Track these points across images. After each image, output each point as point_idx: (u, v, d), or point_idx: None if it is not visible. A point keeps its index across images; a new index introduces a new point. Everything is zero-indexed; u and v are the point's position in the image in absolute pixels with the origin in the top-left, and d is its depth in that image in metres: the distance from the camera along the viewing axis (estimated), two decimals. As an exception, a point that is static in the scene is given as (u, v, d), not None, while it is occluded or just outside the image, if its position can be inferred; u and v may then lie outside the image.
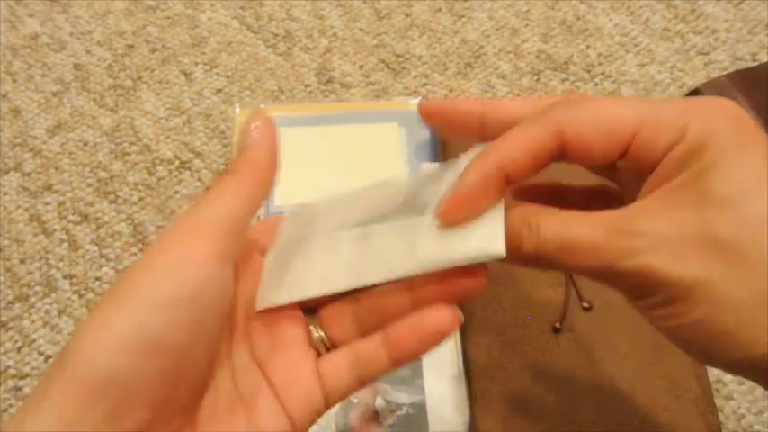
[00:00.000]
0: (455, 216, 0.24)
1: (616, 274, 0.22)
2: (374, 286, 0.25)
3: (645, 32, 0.59)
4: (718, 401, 0.43)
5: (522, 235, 0.23)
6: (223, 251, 0.23)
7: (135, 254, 0.50)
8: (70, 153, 0.55)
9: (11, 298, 0.49)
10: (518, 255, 0.24)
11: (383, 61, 0.58)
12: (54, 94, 0.58)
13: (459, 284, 0.24)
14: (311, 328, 0.26)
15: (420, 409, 0.40)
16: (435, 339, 0.24)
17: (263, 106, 0.55)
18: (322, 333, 0.26)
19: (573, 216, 0.23)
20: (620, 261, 0.21)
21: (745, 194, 0.20)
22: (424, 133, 0.51)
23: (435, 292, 0.24)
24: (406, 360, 0.25)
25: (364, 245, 0.26)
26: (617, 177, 0.26)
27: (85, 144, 0.55)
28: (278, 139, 0.27)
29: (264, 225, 0.30)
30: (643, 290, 0.21)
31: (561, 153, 0.24)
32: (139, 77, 0.58)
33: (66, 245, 0.51)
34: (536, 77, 0.57)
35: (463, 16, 0.60)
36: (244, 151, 0.26)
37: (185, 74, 0.58)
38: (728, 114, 0.22)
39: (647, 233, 0.21)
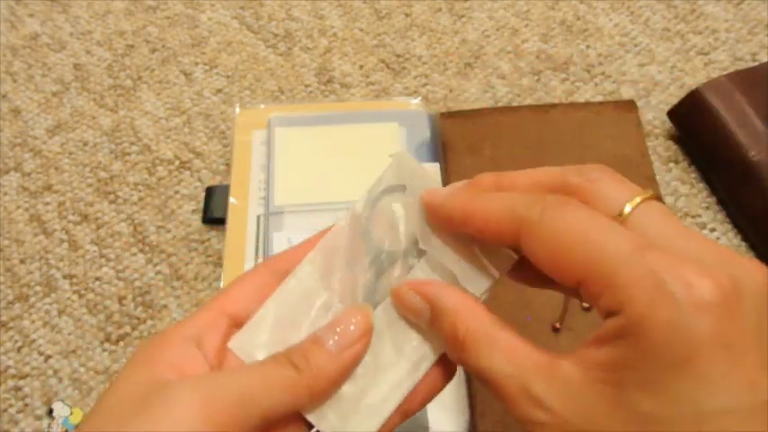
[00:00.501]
0: None
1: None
2: None
3: (645, 32, 0.59)
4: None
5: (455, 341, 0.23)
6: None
7: (135, 254, 0.50)
8: (70, 153, 0.55)
9: (11, 298, 0.49)
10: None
11: (383, 61, 0.58)
12: (54, 94, 0.58)
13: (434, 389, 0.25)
14: None
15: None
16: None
17: (262, 106, 0.55)
18: None
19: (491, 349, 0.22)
20: (521, 422, 0.20)
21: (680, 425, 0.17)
22: (424, 133, 0.51)
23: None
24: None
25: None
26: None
27: (85, 144, 0.55)
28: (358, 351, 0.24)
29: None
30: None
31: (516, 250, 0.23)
32: (139, 77, 0.58)
33: (66, 245, 0.51)
34: (536, 77, 0.57)
35: (463, 16, 0.60)
36: (320, 348, 0.23)
37: (185, 74, 0.58)
38: (681, 305, 0.17)
39: (552, 410, 0.19)
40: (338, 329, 0.23)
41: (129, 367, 0.22)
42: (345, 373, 0.23)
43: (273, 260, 0.26)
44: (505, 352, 0.22)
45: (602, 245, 0.19)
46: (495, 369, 0.21)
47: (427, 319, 0.24)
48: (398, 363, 0.24)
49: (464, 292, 0.25)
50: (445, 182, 0.50)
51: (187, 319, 0.24)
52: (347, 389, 0.24)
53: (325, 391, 0.23)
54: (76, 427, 0.23)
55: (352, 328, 0.23)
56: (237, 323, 0.25)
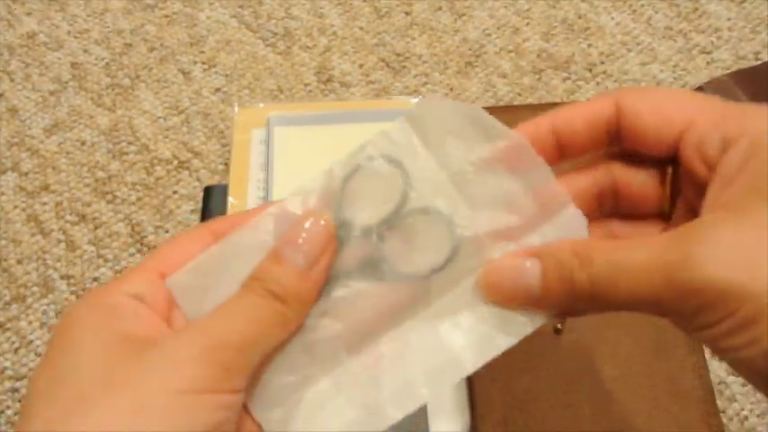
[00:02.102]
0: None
1: (677, 293, 0.18)
2: None
3: (647, 31, 0.58)
4: (721, 403, 0.43)
5: (574, 269, 0.20)
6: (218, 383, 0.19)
7: (132, 255, 0.50)
8: (68, 153, 0.54)
9: (8, 299, 0.48)
10: (571, 294, 0.21)
11: (383, 60, 0.58)
12: (51, 93, 0.57)
13: None
14: None
15: (421, 409, 0.40)
16: None
17: (261, 105, 0.54)
18: None
19: (626, 241, 0.20)
20: (682, 273, 0.18)
21: None
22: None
23: None
24: None
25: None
26: (666, 191, 0.24)
27: (83, 143, 0.55)
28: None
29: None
30: (710, 312, 0.18)
31: (616, 130, 0.23)
32: (137, 76, 0.58)
33: (63, 245, 0.50)
34: (537, 76, 0.56)
35: (464, 15, 0.60)
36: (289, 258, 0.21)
37: (184, 73, 0.58)
38: None
39: (711, 241, 0.18)
40: (302, 243, 0.21)
41: (80, 330, 0.20)
42: (318, 290, 0.22)
43: (215, 222, 0.24)
44: (635, 241, 0.20)
45: (707, 97, 0.21)
46: (631, 254, 0.20)
47: (538, 276, 0.21)
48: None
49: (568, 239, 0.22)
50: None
51: (122, 279, 0.22)
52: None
53: (304, 315, 0.22)
54: (25, 405, 0.20)
55: (316, 241, 0.22)
56: None
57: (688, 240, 0.18)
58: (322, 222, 0.22)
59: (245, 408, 0.22)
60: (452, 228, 0.23)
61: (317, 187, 0.24)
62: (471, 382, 0.43)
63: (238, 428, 0.21)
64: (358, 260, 0.23)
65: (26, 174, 0.53)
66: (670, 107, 0.22)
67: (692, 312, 0.18)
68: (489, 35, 0.59)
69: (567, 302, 0.21)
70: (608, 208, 0.25)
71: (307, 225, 0.22)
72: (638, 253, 0.19)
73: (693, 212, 0.21)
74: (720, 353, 0.19)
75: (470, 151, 0.23)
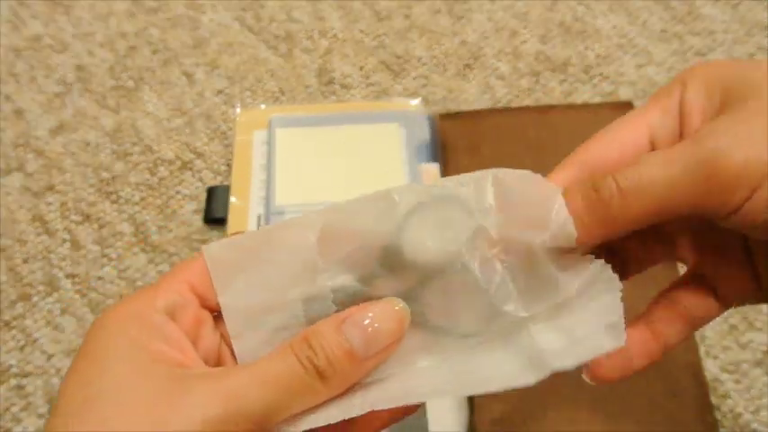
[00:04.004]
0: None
1: (707, 184, 0.19)
2: None
3: (643, 34, 0.59)
4: (715, 400, 0.44)
5: (603, 193, 0.20)
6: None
7: (136, 254, 0.51)
8: (72, 153, 0.55)
9: (13, 297, 0.49)
10: (604, 221, 0.21)
11: (383, 62, 0.59)
12: (56, 95, 0.58)
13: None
14: None
15: (419, 408, 0.41)
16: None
17: (263, 107, 0.55)
18: None
19: (643, 156, 0.21)
20: (710, 164, 0.19)
21: None
22: (424, 134, 0.51)
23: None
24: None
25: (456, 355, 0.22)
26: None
27: (88, 144, 0.55)
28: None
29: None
30: (741, 189, 0.19)
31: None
32: (141, 78, 0.58)
33: (68, 245, 0.51)
34: (535, 78, 0.57)
35: (462, 18, 0.61)
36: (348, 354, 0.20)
37: (187, 75, 0.59)
38: None
39: (724, 134, 0.19)
40: (369, 330, 0.20)
41: (113, 346, 0.20)
42: (367, 375, 0.21)
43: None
44: (653, 153, 0.21)
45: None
46: (655, 159, 0.20)
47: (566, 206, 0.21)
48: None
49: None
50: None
51: (155, 291, 0.21)
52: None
53: (341, 390, 0.21)
54: (54, 413, 0.20)
55: (384, 331, 0.20)
56: (205, 303, 0.22)
57: (706, 141, 0.20)
58: (396, 308, 0.21)
59: None
60: (496, 302, 0.22)
61: (372, 211, 0.21)
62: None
63: None
64: (398, 293, 0.22)
65: (31, 174, 0.54)
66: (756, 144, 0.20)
67: (721, 195, 0.19)
68: (487, 38, 0.59)
69: (598, 235, 0.21)
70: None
71: (379, 309, 0.20)
72: (663, 156, 0.20)
73: None
74: (757, 229, 0.20)
75: (535, 235, 0.21)
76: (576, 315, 0.22)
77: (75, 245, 0.51)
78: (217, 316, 0.22)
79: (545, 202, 0.21)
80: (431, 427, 0.40)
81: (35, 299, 0.49)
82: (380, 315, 0.20)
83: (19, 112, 0.57)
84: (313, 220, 0.21)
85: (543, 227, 0.21)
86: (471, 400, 0.43)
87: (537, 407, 0.43)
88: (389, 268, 0.21)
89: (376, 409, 0.20)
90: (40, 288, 0.49)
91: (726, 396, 0.44)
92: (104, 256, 0.50)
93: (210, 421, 0.19)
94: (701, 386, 0.43)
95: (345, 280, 0.21)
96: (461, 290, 0.22)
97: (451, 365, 0.22)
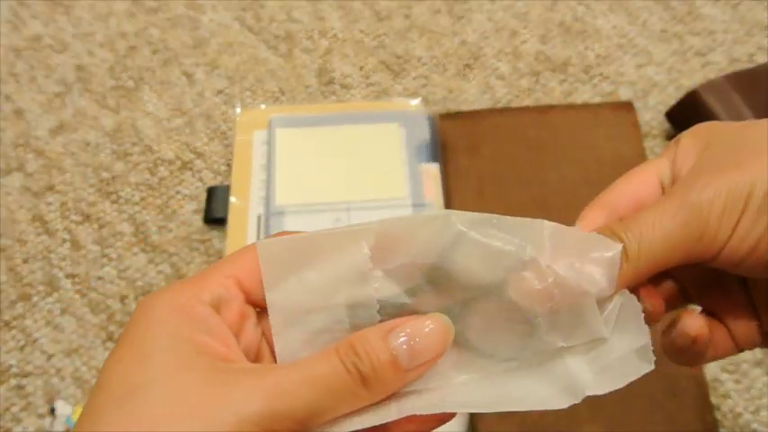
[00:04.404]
0: None
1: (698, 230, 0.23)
2: None
3: (643, 34, 0.59)
4: (715, 400, 0.44)
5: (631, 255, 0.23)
6: None
7: (136, 254, 0.51)
8: (72, 153, 0.55)
9: (13, 297, 0.49)
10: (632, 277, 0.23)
11: (383, 62, 0.59)
12: (56, 95, 0.58)
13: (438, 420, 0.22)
14: None
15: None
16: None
17: (263, 107, 0.55)
18: None
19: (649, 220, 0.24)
20: (696, 214, 0.23)
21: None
22: (424, 134, 0.51)
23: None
24: None
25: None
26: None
27: (88, 144, 0.55)
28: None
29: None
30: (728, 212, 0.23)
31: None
32: (141, 78, 0.58)
33: (68, 244, 0.51)
34: (535, 78, 0.57)
35: (462, 18, 0.61)
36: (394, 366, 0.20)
37: (187, 75, 0.59)
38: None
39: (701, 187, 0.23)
40: (414, 342, 0.21)
41: (157, 334, 0.20)
42: (405, 387, 0.21)
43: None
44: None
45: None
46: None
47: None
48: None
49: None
50: (444, 181, 0.50)
51: (201, 282, 0.22)
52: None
53: (382, 398, 0.21)
54: (90, 397, 0.20)
55: (428, 344, 0.21)
56: (250, 299, 0.22)
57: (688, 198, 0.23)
58: (442, 324, 0.21)
59: None
60: (537, 331, 0.23)
61: (429, 228, 0.22)
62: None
63: None
64: (442, 310, 0.22)
65: (31, 174, 0.54)
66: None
67: (703, 238, 0.23)
68: (487, 38, 0.59)
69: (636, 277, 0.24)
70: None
71: (425, 323, 0.21)
72: (661, 226, 0.23)
73: None
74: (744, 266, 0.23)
75: (591, 284, 0.23)
76: (607, 343, 0.23)
77: (75, 245, 0.51)
78: (260, 313, 0.23)
79: (606, 256, 0.23)
80: (431, 426, 0.40)
81: (35, 299, 0.49)
82: (426, 329, 0.21)
83: (19, 112, 0.57)
84: (368, 229, 0.22)
85: (600, 276, 0.23)
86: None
87: (537, 407, 0.43)
88: (436, 285, 0.22)
89: (411, 414, 0.21)
90: (40, 288, 0.49)
91: (726, 396, 0.44)
92: (104, 256, 0.50)
93: (253, 417, 0.19)
94: (701, 386, 0.43)
95: (393, 291, 0.22)
96: (504, 316, 0.22)
97: (487, 384, 0.23)
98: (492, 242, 0.22)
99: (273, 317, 0.22)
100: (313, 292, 0.22)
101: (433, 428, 0.22)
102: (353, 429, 0.21)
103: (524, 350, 0.23)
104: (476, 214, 0.22)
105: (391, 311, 0.22)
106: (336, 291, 0.22)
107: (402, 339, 0.21)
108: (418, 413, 0.21)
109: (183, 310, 0.21)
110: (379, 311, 0.22)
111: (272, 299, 0.22)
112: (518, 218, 0.22)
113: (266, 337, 0.23)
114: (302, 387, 0.20)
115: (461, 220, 0.22)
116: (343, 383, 0.20)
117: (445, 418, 0.22)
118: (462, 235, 0.22)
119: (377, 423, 0.21)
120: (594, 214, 0.26)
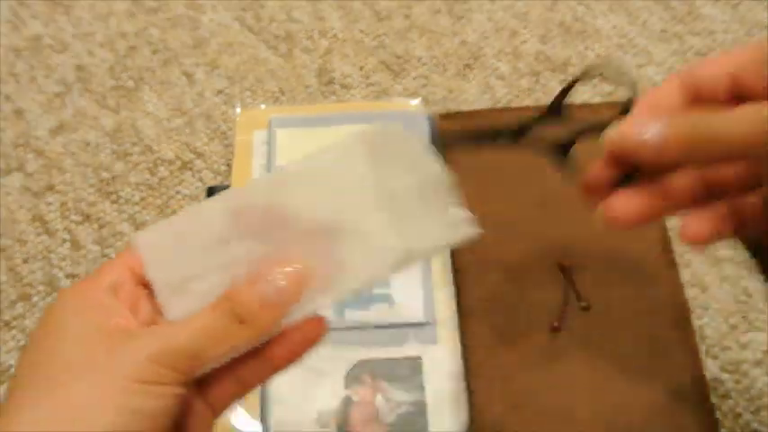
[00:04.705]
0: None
1: None
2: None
3: (643, 34, 0.59)
4: (716, 400, 0.44)
5: (694, 121, 0.24)
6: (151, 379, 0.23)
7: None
8: (72, 153, 0.55)
9: (13, 297, 0.49)
10: (689, 140, 0.24)
11: (383, 62, 0.59)
12: (56, 95, 0.58)
13: (306, 340, 0.26)
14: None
15: (420, 407, 0.41)
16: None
17: (263, 107, 0.55)
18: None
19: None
20: None
21: None
22: (424, 134, 0.51)
23: (287, 353, 0.26)
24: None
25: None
26: None
27: (88, 144, 0.55)
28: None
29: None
30: None
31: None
32: (141, 78, 0.58)
33: (68, 245, 0.51)
34: (535, 78, 0.57)
35: (462, 18, 0.61)
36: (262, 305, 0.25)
37: (187, 75, 0.59)
38: None
39: None
40: (276, 284, 0.25)
41: (62, 320, 0.25)
42: (278, 322, 0.25)
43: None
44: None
45: None
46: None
47: (659, 128, 0.25)
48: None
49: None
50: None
51: (100, 273, 0.26)
52: None
53: (259, 338, 0.25)
54: (16, 374, 0.25)
55: (287, 287, 0.25)
56: (143, 281, 0.26)
57: None
58: (303, 268, 0.25)
59: (199, 393, 0.26)
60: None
61: (269, 184, 0.27)
62: (470, 381, 0.43)
63: (189, 410, 0.26)
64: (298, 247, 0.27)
65: (31, 174, 0.54)
66: None
67: None
68: (487, 38, 0.59)
69: (683, 150, 0.25)
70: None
71: (282, 268, 0.25)
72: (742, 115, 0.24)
73: None
74: None
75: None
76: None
77: (75, 245, 0.51)
78: (152, 293, 0.27)
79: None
80: (431, 427, 0.40)
81: (35, 299, 0.49)
82: (288, 268, 0.25)
83: (19, 112, 0.57)
84: (224, 199, 0.26)
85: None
86: (471, 401, 0.43)
87: (537, 407, 0.43)
88: (285, 229, 0.26)
89: (287, 325, 0.25)
90: (40, 288, 0.49)
91: (726, 396, 0.44)
92: (104, 256, 0.51)
93: (151, 357, 0.23)
94: (701, 386, 0.43)
95: (252, 245, 0.26)
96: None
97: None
98: (325, 179, 0.27)
99: (157, 291, 0.26)
100: (188, 263, 0.26)
101: (311, 345, 0.27)
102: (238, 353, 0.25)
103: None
104: (298, 162, 0.28)
105: (258, 261, 0.26)
106: (207, 257, 0.26)
107: (265, 284, 0.25)
108: (291, 322, 0.25)
109: (84, 295, 0.25)
110: (247, 265, 0.25)
111: (152, 276, 0.26)
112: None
113: (159, 312, 0.27)
114: (188, 333, 0.24)
115: (291, 168, 0.28)
116: (223, 326, 0.24)
117: (320, 330, 0.26)
118: (297, 181, 0.27)
119: (258, 343, 0.25)
120: (671, 83, 0.27)
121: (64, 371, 0.23)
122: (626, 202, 0.27)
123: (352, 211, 0.26)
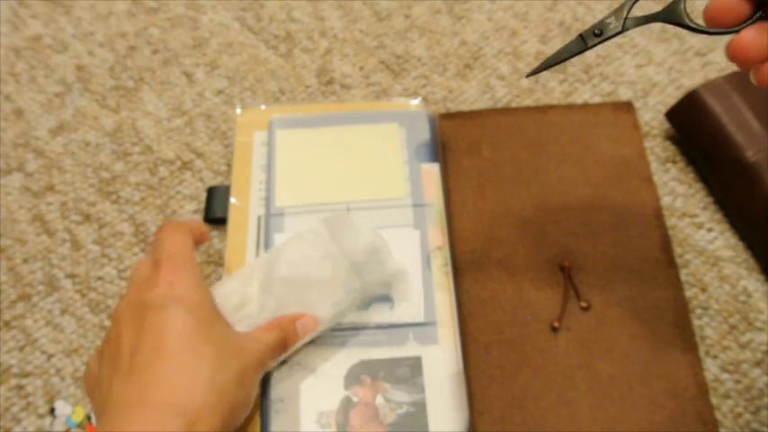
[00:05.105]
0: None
1: None
2: None
3: (642, 34, 0.59)
4: (715, 400, 0.44)
5: None
6: None
7: (136, 254, 0.51)
8: (72, 153, 0.55)
9: (13, 297, 0.49)
10: None
11: (383, 62, 0.59)
12: (56, 95, 0.58)
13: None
14: None
15: (420, 407, 0.41)
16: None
17: (263, 107, 0.55)
18: None
19: None
20: None
21: None
22: (424, 134, 0.51)
23: None
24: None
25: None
26: None
27: (88, 144, 0.55)
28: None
29: None
30: None
31: None
32: (141, 78, 0.58)
33: (68, 245, 0.51)
34: (535, 78, 0.57)
35: (462, 18, 0.61)
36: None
37: (187, 75, 0.59)
38: None
39: None
40: (303, 324, 0.41)
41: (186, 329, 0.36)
42: (301, 338, 0.41)
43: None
44: None
45: None
46: None
47: None
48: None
49: None
50: (444, 181, 0.50)
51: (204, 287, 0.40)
52: None
53: (291, 347, 0.40)
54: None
55: (309, 325, 0.41)
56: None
57: None
58: (312, 317, 0.41)
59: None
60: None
61: (265, 266, 0.42)
62: (471, 379, 0.43)
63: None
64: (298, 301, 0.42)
65: (31, 174, 0.54)
66: None
67: None
68: (487, 38, 0.60)
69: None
70: None
71: (306, 317, 0.41)
72: None
73: None
74: None
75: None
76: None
77: (75, 245, 0.51)
78: None
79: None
80: (431, 427, 0.40)
81: (35, 299, 0.49)
82: (307, 318, 0.41)
83: (19, 112, 0.57)
84: (242, 275, 0.42)
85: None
86: (471, 399, 0.43)
87: (537, 407, 0.43)
88: (285, 287, 0.41)
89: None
90: (40, 288, 0.49)
91: (726, 396, 0.44)
92: (104, 256, 0.51)
93: (258, 350, 0.38)
94: (700, 386, 0.43)
95: (267, 301, 0.41)
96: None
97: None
98: (304, 251, 0.42)
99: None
100: (223, 305, 0.40)
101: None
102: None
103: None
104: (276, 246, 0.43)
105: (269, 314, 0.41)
106: (234, 312, 0.40)
107: (299, 324, 0.41)
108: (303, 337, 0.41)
109: (202, 306, 0.37)
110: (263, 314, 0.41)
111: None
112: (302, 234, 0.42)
113: None
114: (255, 341, 0.38)
115: (267, 256, 0.42)
116: (280, 343, 0.39)
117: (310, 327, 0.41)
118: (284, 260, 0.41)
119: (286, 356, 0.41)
120: None
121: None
122: (756, 37, 0.26)
123: (324, 270, 0.41)
